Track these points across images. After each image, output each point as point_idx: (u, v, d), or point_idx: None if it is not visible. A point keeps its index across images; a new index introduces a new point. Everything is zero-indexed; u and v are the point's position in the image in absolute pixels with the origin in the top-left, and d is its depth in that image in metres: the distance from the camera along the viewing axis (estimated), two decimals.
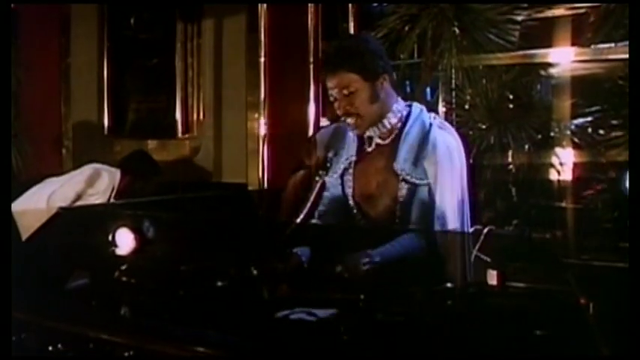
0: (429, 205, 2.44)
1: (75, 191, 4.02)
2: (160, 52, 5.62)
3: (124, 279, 2.56)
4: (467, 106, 4.49)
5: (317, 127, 4.49)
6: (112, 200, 4.06)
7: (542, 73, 4.34)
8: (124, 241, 2.66)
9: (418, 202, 2.45)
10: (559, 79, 4.30)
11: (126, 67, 5.75)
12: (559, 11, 4.31)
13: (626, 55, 3.91)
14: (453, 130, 2.59)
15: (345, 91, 2.48)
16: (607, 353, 1.78)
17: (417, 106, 2.60)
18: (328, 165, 2.39)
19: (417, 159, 2.49)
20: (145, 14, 5.62)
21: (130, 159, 4.71)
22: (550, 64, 4.30)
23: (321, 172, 2.32)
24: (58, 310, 2.31)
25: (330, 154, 2.43)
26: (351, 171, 2.55)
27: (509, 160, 4.21)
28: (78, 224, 2.70)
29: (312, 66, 4.41)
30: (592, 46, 4.03)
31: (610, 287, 2.07)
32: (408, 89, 4.77)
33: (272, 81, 4.59)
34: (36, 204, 3.81)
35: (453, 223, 2.39)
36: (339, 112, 2.52)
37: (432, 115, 2.60)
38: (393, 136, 2.55)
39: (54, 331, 2.26)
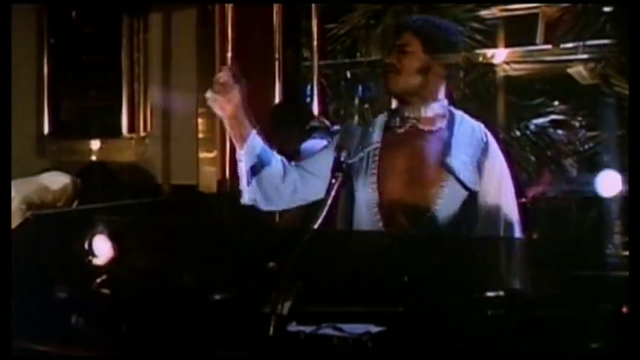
0: (494, 215, 2.35)
1: (40, 198, 3.78)
2: (105, 48, 5.35)
3: (104, 291, 2.37)
4: None
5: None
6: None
7: (508, 71, 4.32)
8: (101, 249, 2.45)
9: (478, 209, 2.35)
10: (525, 78, 4.29)
11: (68, 63, 5.45)
12: (525, 10, 4.30)
13: (593, 55, 3.93)
14: None
15: (402, 48, 2.43)
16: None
17: (457, 111, 2.51)
18: (344, 166, 2.23)
19: (473, 163, 2.38)
20: (88, 7, 5.34)
21: (87, 170, 4.52)
22: (516, 63, 4.27)
23: (337, 175, 2.16)
24: (33, 328, 2.10)
25: (343, 155, 2.26)
26: (376, 158, 2.41)
27: None
28: (50, 232, 2.48)
29: (277, 62, 4.26)
30: (560, 46, 4.03)
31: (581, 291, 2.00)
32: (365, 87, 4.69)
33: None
34: None
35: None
36: (385, 61, 2.48)
37: (476, 122, 2.50)
38: (437, 127, 2.45)
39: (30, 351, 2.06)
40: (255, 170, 2.44)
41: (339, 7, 4.46)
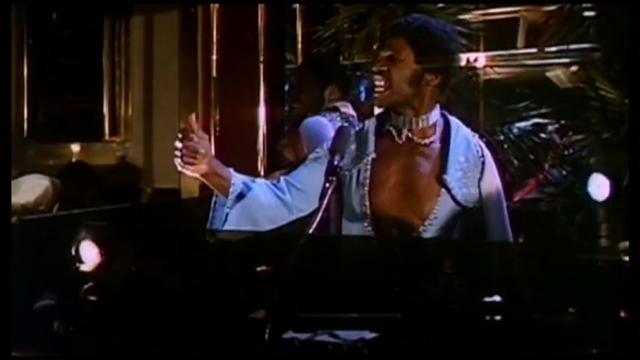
0: (481, 230, 2.33)
1: (20, 203, 3.72)
2: (86, 50, 5.30)
3: (92, 298, 2.33)
4: None
5: (268, 128, 4.32)
6: (55, 211, 3.78)
7: (492, 75, 4.32)
8: (89, 255, 2.41)
9: (467, 225, 2.31)
10: (510, 82, 4.30)
11: (48, 65, 5.38)
12: (508, 14, 4.30)
13: (578, 59, 3.94)
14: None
15: (392, 55, 2.32)
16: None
17: (453, 119, 2.44)
18: (338, 170, 2.20)
19: (469, 179, 2.33)
20: (68, 9, 5.28)
21: (69, 169, 4.44)
22: (500, 67, 4.27)
23: (330, 178, 2.13)
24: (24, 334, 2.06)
25: (337, 158, 2.22)
26: (368, 168, 2.33)
27: None
28: (37, 237, 2.43)
29: (262, 65, 4.23)
30: (545, 50, 4.03)
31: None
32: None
33: (220, 80, 4.40)
34: None
35: None
36: (373, 69, 2.36)
37: (472, 132, 2.45)
38: (431, 139, 2.37)
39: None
40: (244, 210, 2.34)
41: (324, 10, 4.44)
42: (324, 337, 1.76)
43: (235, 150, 4.33)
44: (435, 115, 2.39)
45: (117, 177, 5.22)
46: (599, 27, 3.75)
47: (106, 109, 5.28)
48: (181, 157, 2.27)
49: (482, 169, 2.36)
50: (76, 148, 5.34)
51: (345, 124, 2.40)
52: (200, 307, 1.95)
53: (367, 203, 2.32)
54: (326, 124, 3.34)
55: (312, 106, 3.54)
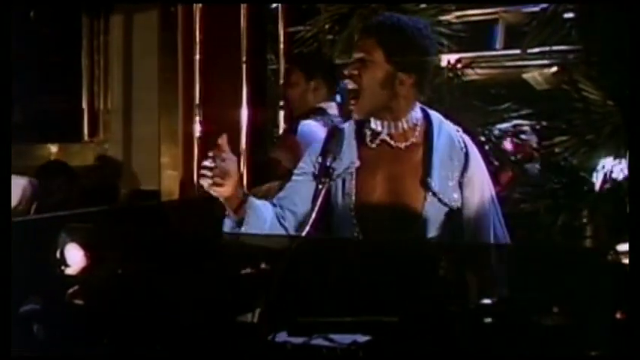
0: (480, 224, 2.29)
1: None
2: (64, 49, 5.23)
3: (77, 301, 2.29)
4: None
5: (250, 130, 4.30)
6: (32, 212, 3.72)
7: (474, 76, 4.32)
8: (74, 258, 2.37)
9: (460, 222, 2.28)
10: (491, 83, 4.30)
11: (25, 64, 5.29)
12: (491, 14, 4.32)
13: (561, 61, 3.96)
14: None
15: (363, 57, 2.26)
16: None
17: (434, 115, 2.37)
18: (331, 171, 2.17)
19: (454, 179, 2.28)
20: (47, 7, 5.21)
21: (46, 168, 4.38)
22: (482, 68, 4.28)
23: (324, 180, 2.10)
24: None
25: (329, 160, 2.19)
26: (353, 177, 2.27)
27: None
28: (20, 239, 2.38)
29: (244, 66, 4.20)
30: (527, 51, 4.05)
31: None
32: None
33: (201, 80, 4.37)
34: None
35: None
36: (344, 72, 2.31)
37: (455, 127, 2.39)
38: (412, 141, 2.31)
39: None
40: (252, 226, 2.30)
41: (306, 11, 4.42)
42: (318, 341, 1.75)
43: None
44: (416, 115, 2.33)
45: (96, 178, 5.16)
46: (581, 28, 3.76)
47: (85, 109, 5.21)
48: (212, 177, 2.20)
49: (467, 163, 2.31)
50: (54, 148, 5.26)
51: (338, 126, 2.35)
52: (191, 310, 1.93)
53: (354, 214, 2.28)
54: (321, 133, 3.32)
55: (298, 102, 3.51)
